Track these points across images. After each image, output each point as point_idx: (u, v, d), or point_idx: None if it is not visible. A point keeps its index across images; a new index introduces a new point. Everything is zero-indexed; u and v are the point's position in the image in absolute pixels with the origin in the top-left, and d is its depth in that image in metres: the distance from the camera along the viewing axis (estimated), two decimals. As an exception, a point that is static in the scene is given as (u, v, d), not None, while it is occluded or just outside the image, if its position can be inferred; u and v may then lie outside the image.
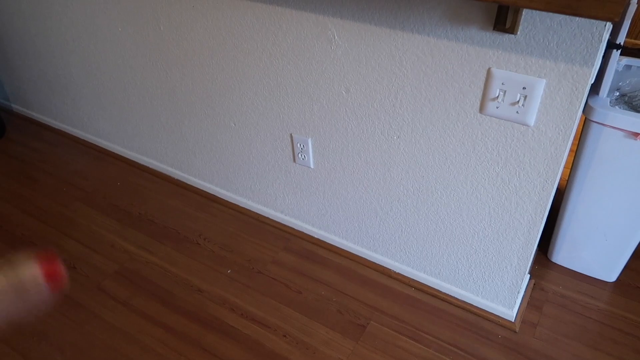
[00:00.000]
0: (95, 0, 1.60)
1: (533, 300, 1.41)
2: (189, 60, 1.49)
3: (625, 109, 1.23)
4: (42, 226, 1.73)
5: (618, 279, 1.47)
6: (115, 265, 1.57)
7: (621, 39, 1.09)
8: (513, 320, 1.34)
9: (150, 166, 1.99)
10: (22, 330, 1.37)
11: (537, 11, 0.87)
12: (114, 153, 2.10)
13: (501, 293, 1.33)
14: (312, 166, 1.45)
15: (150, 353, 1.30)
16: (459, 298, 1.41)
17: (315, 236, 1.63)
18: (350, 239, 1.56)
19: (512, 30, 0.91)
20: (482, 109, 1.04)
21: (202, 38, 1.41)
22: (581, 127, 1.26)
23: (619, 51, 1.11)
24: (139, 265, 1.57)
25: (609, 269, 1.44)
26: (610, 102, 1.21)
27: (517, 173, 1.09)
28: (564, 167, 1.18)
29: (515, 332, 1.33)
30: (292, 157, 1.48)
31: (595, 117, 1.17)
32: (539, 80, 0.94)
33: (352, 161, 1.35)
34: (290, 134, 1.43)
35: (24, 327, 1.38)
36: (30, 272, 0.26)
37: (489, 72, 0.98)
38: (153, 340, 1.34)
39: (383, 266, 1.52)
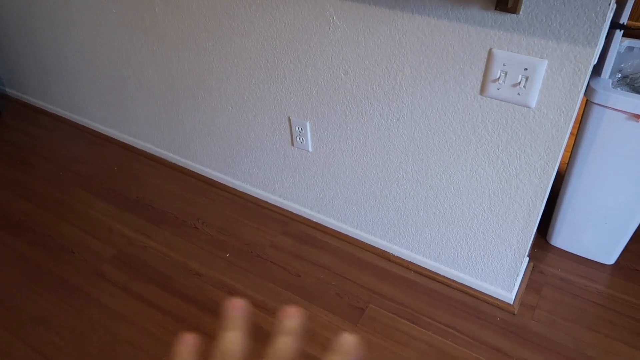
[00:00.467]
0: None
1: (532, 283, 1.41)
2: (185, 42, 1.47)
3: (627, 91, 1.21)
4: (40, 211, 1.73)
5: (617, 261, 1.47)
6: (113, 250, 1.56)
7: (624, 20, 1.08)
8: (512, 303, 1.35)
9: (148, 150, 1.98)
10: (21, 316, 1.37)
11: (540, -10, 0.85)
12: (110, 137, 2.08)
13: (500, 276, 1.33)
14: (310, 150, 1.44)
15: (149, 337, 1.31)
16: (458, 281, 1.42)
17: (314, 220, 1.63)
18: (349, 222, 1.55)
19: (514, 9, 0.89)
20: (482, 90, 1.02)
21: (198, 20, 1.38)
22: (582, 110, 1.25)
23: (622, 32, 1.10)
24: (137, 249, 1.56)
25: (608, 252, 1.45)
26: (612, 84, 1.19)
27: (518, 155, 1.08)
28: (564, 150, 1.17)
29: (514, 314, 1.33)
30: (290, 140, 1.47)
31: (596, 99, 1.16)
32: (541, 61, 0.92)
33: (351, 144, 1.34)
34: (289, 117, 1.41)
35: (23, 313, 1.38)
36: None
37: (490, 53, 0.97)
38: (152, 324, 1.34)
39: (382, 249, 1.52)
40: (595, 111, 1.19)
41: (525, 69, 0.95)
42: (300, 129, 1.41)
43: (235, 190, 1.78)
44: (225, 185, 1.80)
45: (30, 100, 2.34)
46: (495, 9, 0.91)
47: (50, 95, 2.20)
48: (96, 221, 1.68)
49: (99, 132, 2.11)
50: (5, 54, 2.21)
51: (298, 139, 1.44)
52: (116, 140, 2.06)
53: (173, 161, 1.92)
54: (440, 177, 1.24)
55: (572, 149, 1.31)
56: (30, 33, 1.97)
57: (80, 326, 1.34)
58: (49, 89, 2.18)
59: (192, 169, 1.87)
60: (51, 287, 1.45)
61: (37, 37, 1.96)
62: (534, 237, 1.45)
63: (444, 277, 1.43)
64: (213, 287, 1.43)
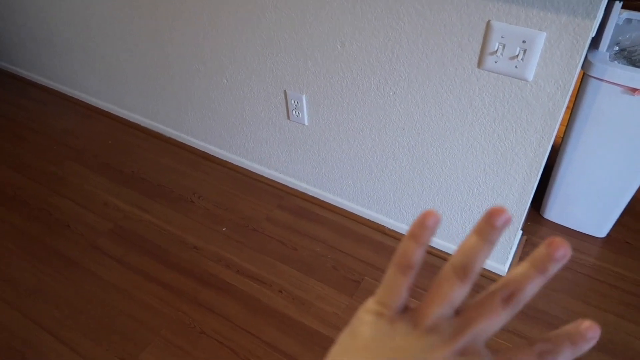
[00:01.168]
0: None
1: (525, 256, 1.43)
2: (179, 13, 1.44)
3: (625, 64, 1.21)
4: (34, 185, 1.72)
5: (608, 234, 1.49)
6: (109, 224, 1.56)
7: (624, -9, 1.07)
8: (505, 276, 1.37)
9: (142, 124, 1.96)
10: (18, 288, 1.38)
11: (540, -40, 0.84)
12: (103, 110, 2.06)
13: (494, 249, 1.35)
14: (306, 123, 1.43)
15: (146, 309, 1.32)
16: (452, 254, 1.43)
17: (310, 194, 1.63)
18: (344, 196, 1.56)
19: (513, -20, 0.88)
20: (480, 63, 1.02)
21: (191, -10, 1.35)
22: (578, 83, 1.25)
23: (621, 3, 1.09)
24: (133, 223, 1.57)
25: (600, 225, 1.46)
26: (609, 57, 1.19)
27: (514, 129, 1.08)
28: (559, 124, 1.18)
29: (507, 286, 1.35)
30: (286, 114, 1.46)
31: (593, 72, 1.16)
32: (540, 33, 0.92)
33: (347, 118, 1.33)
34: (284, 91, 1.40)
35: (20, 285, 1.39)
36: None
37: (488, 24, 0.96)
38: (149, 296, 1.35)
39: (377, 223, 1.53)
40: (592, 84, 1.19)
41: (523, 42, 0.94)
42: (296, 102, 1.40)
43: (231, 164, 1.77)
44: (220, 159, 1.79)
45: (21, 72, 2.30)
46: (495, -21, 0.90)
47: (41, 67, 2.17)
48: (91, 195, 1.67)
49: (92, 105, 2.09)
50: (-6, 24, 2.16)
51: (294, 112, 1.43)
52: (109, 113, 2.04)
53: (167, 134, 1.90)
54: (436, 150, 1.24)
55: (567, 122, 1.31)
56: (19, 3, 1.92)
57: (78, 299, 1.35)
58: (39, 61, 2.14)
59: (186, 143, 1.86)
60: (48, 261, 1.45)
61: (26, 7, 1.91)
62: (527, 211, 1.47)
63: (438, 250, 1.45)
64: (210, 260, 1.44)
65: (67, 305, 1.34)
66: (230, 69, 1.47)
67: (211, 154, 1.81)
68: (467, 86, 1.07)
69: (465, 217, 1.33)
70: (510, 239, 1.30)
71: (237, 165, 1.76)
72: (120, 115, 2.01)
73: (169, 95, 1.75)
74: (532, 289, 0.26)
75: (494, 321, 0.26)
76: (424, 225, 0.27)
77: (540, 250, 0.25)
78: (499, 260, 1.36)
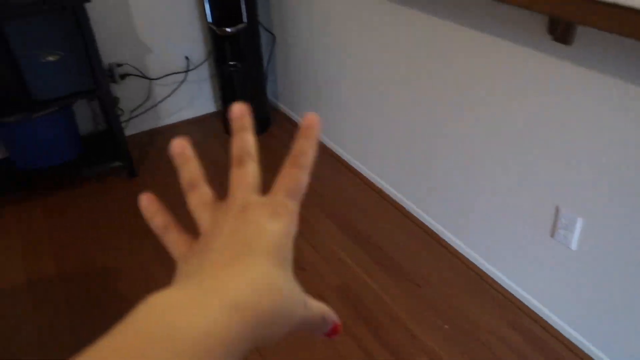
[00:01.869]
0: (378, 29, 1.69)
1: None
2: (455, 107, 1.46)
3: None
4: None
5: None
6: (338, 280, 1.63)
7: None
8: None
9: (388, 192, 2.02)
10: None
11: None
12: (356, 170, 2.18)
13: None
14: (573, 247, 1.29)
15: (353, 380, 1.31)
16: None
17: (549, 321, 1.45)
18: (598, 342, 1.33)
19: None
20: None
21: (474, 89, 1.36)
22: None
23: None
24: (358, 286, 1.60)
25: None
26: None
27: None
28: None
29: None
30: (549, 230, 1.34)
31: None
32: None
33: (631, 254, 1.15)
34: (557, 207, 1.29)
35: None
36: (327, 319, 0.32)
37: None
38: (358, 367, 1.34)
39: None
40: None
41: None
42: (567, 222, 1.27)
43: (465, 257, 1.69)
44: (455, 249, 1.73)
45: (295, 117, 2.61)
46: None
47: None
48: (329, 246, 1.77)
49: (351, 166, 2.22)
50: (285, 71, 2.51)
51: (561, 232, 1.30)
52: (360, 173, 2.16)
53: (408, 209, 1.92)
54: None
55: None
56: (312, 58, 2.20)
57: (293, 343, 1.42)
58: (313, 111, 2.40)
59: (424, 222, 1.85)
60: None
61: (319, 63, 2.18)
62: None
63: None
64: (422, 354, 1.38)
65: (282, 348, 1.41)
66: (495, 167, 1.42)
67: (447, 240, 1.77)
68: None
69: None
70: None
71: (471, 262, 1.68)
72: (370, 179, 2.11)
73: (423, 176, 1.77)
74: (303, 148, 0.35)
75: (299, 181, 0.34)
76: (180, 155, 0.34)
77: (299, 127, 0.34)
78: None
